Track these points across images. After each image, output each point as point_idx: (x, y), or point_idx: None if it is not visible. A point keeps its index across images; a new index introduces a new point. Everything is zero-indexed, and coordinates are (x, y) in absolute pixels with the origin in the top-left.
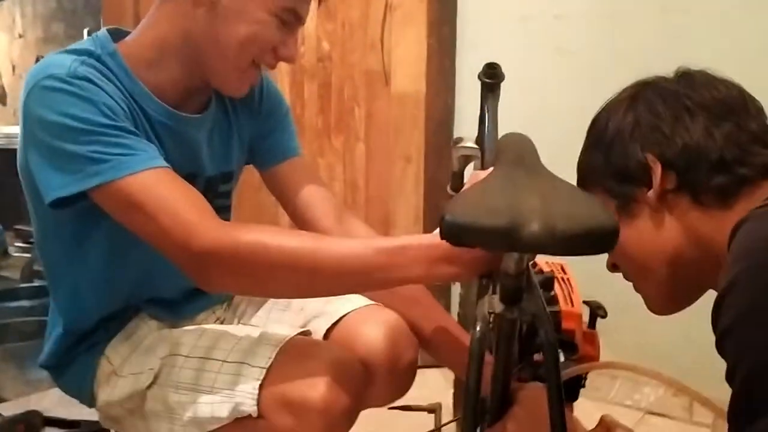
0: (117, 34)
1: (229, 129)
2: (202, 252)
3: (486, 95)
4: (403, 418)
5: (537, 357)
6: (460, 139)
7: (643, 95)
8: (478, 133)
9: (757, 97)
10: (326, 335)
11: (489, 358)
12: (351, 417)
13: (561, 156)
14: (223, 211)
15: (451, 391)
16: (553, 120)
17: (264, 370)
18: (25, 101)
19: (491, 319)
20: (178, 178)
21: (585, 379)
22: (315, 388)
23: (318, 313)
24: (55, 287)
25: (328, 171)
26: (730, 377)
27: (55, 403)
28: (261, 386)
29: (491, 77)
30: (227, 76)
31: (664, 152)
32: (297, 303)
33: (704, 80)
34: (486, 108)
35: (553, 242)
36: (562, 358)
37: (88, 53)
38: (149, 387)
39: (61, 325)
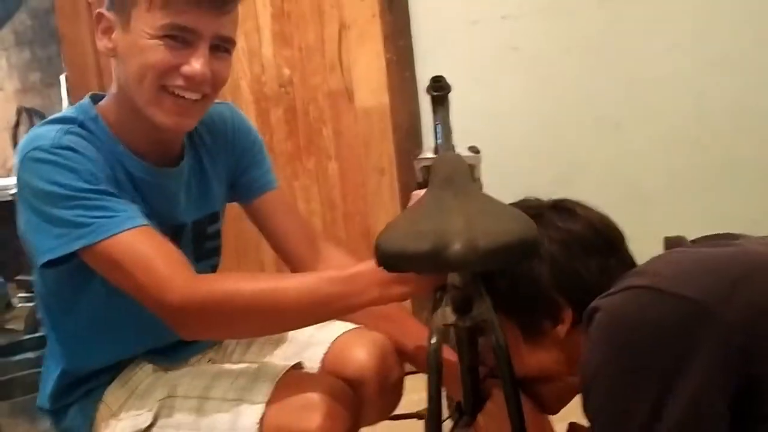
0: (98, 98)
1: (206, 172)
2: (174, 306)
3: (436, 108)
4: (396, 427)
5: None
6: (419, 152)
7: (542, 232)
8: (434, 144)
9: (698, 79)
10: (323, 361)
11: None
12: None
13: (520, 149)
14: (214, 252)
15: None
16: (509, 116)
17: (263, 406)
18: (18, 171)
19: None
20: (155, 235)
21: None
22: (312, 419)
23: (309, 343)
24: (54, 334)
25: (304, 192)
26: (590, 430)
27: None
28: (261, 421)
29: (437, 90)
30: (147, 111)
31: (570, 292)
32: (287, 336)
33: (596, 217)
34: (437, 120)
35: (476, 259)
36: None
37: (72, 121)
38: (149, 430)
39: (59, 367)
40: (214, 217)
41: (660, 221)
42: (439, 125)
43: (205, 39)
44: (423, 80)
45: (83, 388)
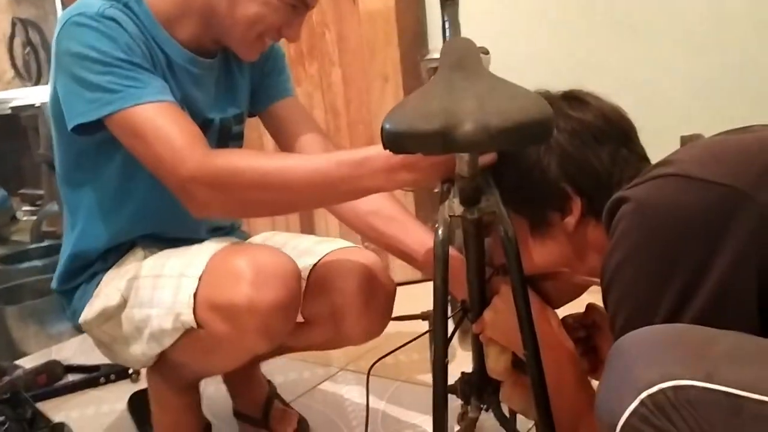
0: None
1: (234, 72)
2: (186, 177)
3: (444, 4)
4: (401, 328)
5: None
6: (427, 52)
7: (561, 127)
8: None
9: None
10: (310, 274)
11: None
12: (285, 312)
13: (533, 52)
14: None
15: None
16: (522, 17)
17: (197, 279)
18: (57, 36)
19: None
20: (178, 112)
21: None
22: (238, 290)
23: (305, 253)
24: (70, 214)
25: (307, 99)
26: (611, 325)
27: (74, 351)
28: (195, 295)
29: None
30: (237, 45)
31: (579, 182)
32: (292, 242)
33: (609, 108)
34: (446, 17)
35: (487, 139)
36: None
37: (117, 0)
38: (122, 309)
39: (70, 249)
40: (239, 118)
41: (677, 125)
42: (448, 23)
43: (308, 10)
44: None
45: (89, 272)
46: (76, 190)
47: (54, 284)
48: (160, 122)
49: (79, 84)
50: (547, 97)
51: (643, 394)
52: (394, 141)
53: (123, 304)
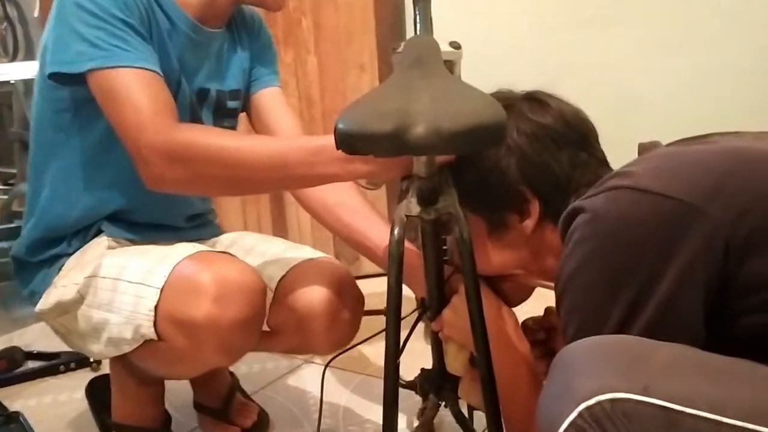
0: None
1: (235, 49)
2: (145, 145)
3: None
4: (366, 323)
5: None
6: (398, 45)
7: (521, 131)
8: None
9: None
10: (277, 286)
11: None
12: (247, 329)
13: (506, 47)
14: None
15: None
16: (496, 12)
17: (158, 291)
18: None
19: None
20: (157, 81)
21: None
22: (199, 306)
23: (274, 260)
24: (36, 176)
25: (282, 87)
26: (564, 332)
27: (36, 337)
28: (156, 307)
29: None
30: None
31: (538, 186)
32: (260, 247)
33: (570, 111)
34: (417, 10)
35: (439, 142)
36: None
37: None
38: (78, 306)
39: (35, 217)
40: (236, 94)
41: (649, 125)
42: (419, 17)
43: None
44: None
45: (51, 252)
46: (47, 150)
47: (13, 250)
48: (134, 88)
49: (69, 32)
50: (509, 97)
51: (581, 406)
52: (345, 141)
53: (80, 300)
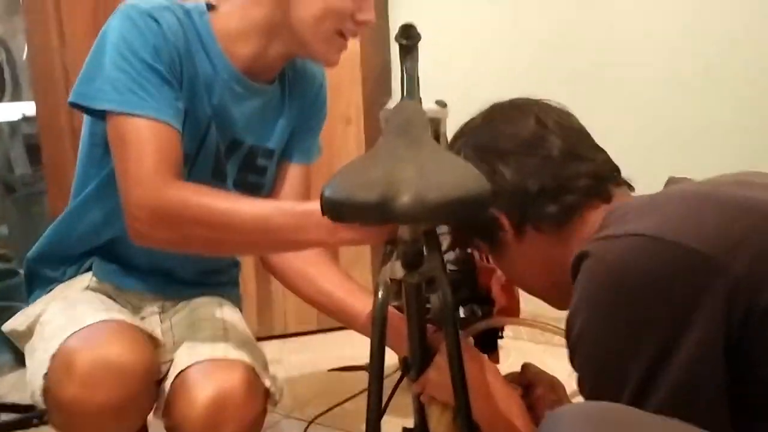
0: (212, 7)
1: (281, 109)
2: (136, 203)
3: (404, 57)
4: (348, 378)
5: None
6: (386, 101)
7: (462, 156)
8: (401, 95)
9: (669, 40)
10: (175, 379)
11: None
12: (119, 414)
13: (491, 96)
14: (254, 189)
15: None
16: (480, 69)
17: (49, 360)
18: (110, 17)
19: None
20: (168, 135)
21: (502, 330)
22: (68, 387)
23: (189, 349)
24: (73, 197)
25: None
26: (579, 387)
27: (11, 387)
28: (46, 375)
29: (407, 39)
30: (315, 47)
31: (499, 202)
32: (198, 328)
33: (505, 120)
34: (404, 70)
35: (424, 212)
36: (479, 314)
37: (181, 7)
38: (26, 339)
39: (53, 228)
40: (268, 153)
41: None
42: (406, 76)
43: None
44: (396, 29)
45: (49, 274)
46: (80, 180)
47: (28, 254)
48: (143, 139)
49: (97, 66)
50: (474, 119)
51: None
52: (332, 210)
53: (28, 335)
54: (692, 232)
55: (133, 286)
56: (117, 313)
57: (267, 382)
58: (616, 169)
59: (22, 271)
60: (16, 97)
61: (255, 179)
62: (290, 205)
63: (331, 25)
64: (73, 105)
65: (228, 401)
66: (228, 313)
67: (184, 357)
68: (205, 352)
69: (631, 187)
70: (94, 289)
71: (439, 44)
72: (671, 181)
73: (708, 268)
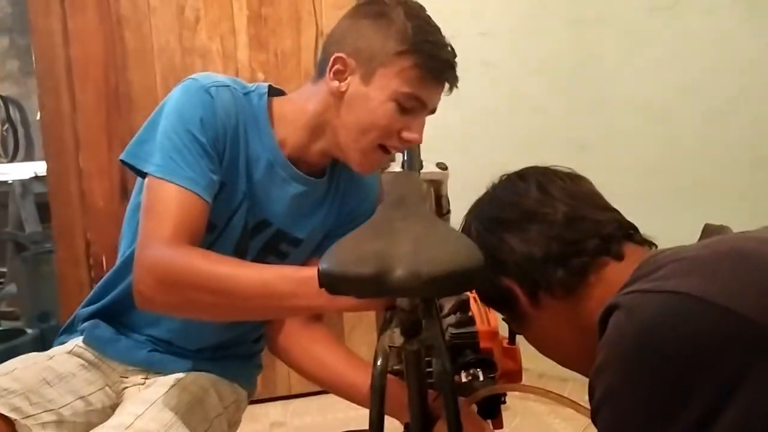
0: (274, 92)
1: (323, 204)
2: (143, 265)
3: None
4: None
5: (460, 378)
6: (387, 165)
7: (472, 229)
8: (402, 159)
9: (665, 104)
10: None
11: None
12: None
13: (487, 166)
14: None
15: None
16: (478, 133)
17: None
18: (175, 87)
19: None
20: (196, 205)
21: (505, 396)
22: None
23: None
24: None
25: None
26: None
27: None
28: None
29: None
30: (352, 155)
31: (509, 272)
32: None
33: (507, 190)
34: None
35: (419, 286)
36: (481, 377)
37: (243, 87)
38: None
39: (98, 286)
40: (295, 242)
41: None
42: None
43: (427, 110)
44: None
45: (77, 328)
46: (125, 240)
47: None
48: (167, 205)
49: (150, 130)
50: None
51: None
52: (328, 282)
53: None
54: (739, 296)
55: (116, 356)
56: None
57: None
58: (631, 227)
59: (29, 331)
60: (29, 156)
61: (274, 261)
62: (291, 270)
63: (374, 139)
64: (123, 163)
65: None
66: (178, 395)
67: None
68: (111, 424)
69: (652, 245)
70: (76, 354)
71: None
72: (708, 230)
73: (759, 340)
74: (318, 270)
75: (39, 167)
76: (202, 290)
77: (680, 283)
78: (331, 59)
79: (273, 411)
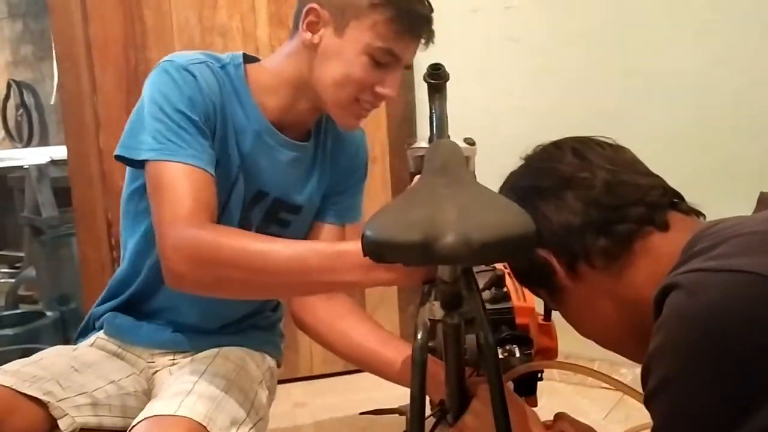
0: (249, 59)
1: (313, 167)
2: (172, 244)
3: (432, 96)
4: (378, 421)
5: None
6: (413, 141)
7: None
8: (429, 133)
9: (699, 75)
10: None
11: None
12: None
13: (516, 141)
14: None
15: None
16: (506, 107)
17: None
18: (150, 74)
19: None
20: (203, 179)
21: (542, 373)
22: None
23: (151, 402)
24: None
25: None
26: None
27: None
28: None
29: (435, 78)
30: (333, 111)
31: (545, 242)
32: (172, 387)
33: (542, 158)
34: (433, 109)
35: (469, 253)
36: (517, 354)
37: (218, 60)
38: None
39: (112, 281)
40: (294, 209)
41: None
42: (435, 114)
43: (402, 65)
44: (420, 69)
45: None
46: (125, 231)
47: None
48: (179, 184)
49: (139, 120)
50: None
51: None
52: (374, 251)
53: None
54: None
55: (140, 342)
56: (23, 379)
57: None
58: (676, 195)
59: (49, 313)
60: (44, 141)
61: (277, 231)
62: (325, 245)
63: (350, 93)
64: (118, 158)
65: None
66: (223, 364)
67: (140, 415)
68: (156, 408)
69: (699, 214)
70: (99, 346)
71: (463, 83)
72: (764, 198)
73: None
74: (362, 237)
75: (55, 152)
76: (235, 267)
77: (747, 261)
78: (305, 10)
79: (295, 391)
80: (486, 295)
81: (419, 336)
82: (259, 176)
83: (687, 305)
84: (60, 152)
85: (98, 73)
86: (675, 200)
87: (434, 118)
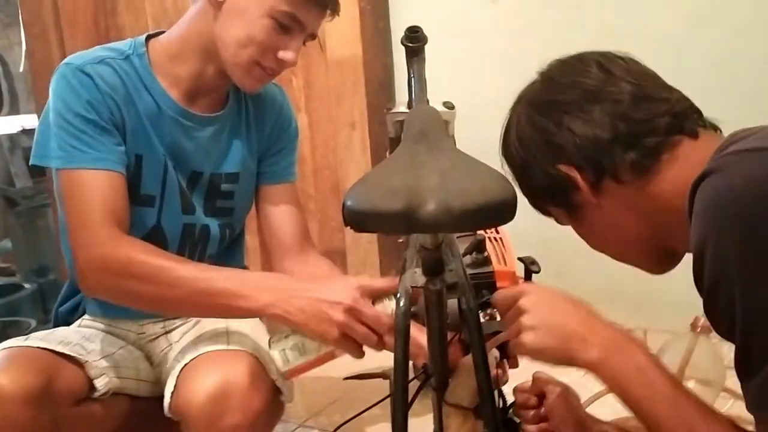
0: (155, 36)
1: (238, 133)
2: (84, 260)
3: (411, 59)
4: (362, 386)
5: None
6: (392, 106)
7: (523, 116)
8: (408, 98)
9: (674, 35)
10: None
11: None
12: (33, 402)
13: (495, 105)
14: (226, 213)
15: None
16: (485, 71)
17: None
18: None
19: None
20: (110, 183)
21: None
22: None
23: (193, 344)
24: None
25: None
26: (729, 331)
27: None
28: None
29: (413, 41)
30: (234, 71)
31: (569, 157)
32: (184, 337)
33: (564, 72)
34: (412, 72)
35: (450, 220)
36: (498, 317)
37: (120, 52)
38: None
39: (68, 284)
40: (232, 178)
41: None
42: (414, 78)
43: (305, 32)
44: (397, 31)
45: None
46: (62, 229)
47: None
48: (87, 191)
49: (45, 128)
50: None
51: None
52: (355, 220)
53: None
54: None
55: (127, 315)
56: (56, 343)
57: (273, 376)
58: (697, 110)
59: (27, 285)
60: (14, 110)
61: (224, 204)
62: (233, 272)
63: (250, 54)
64: (34, 167)
65: (233, 389)
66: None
67: (188, 353)
68: (208, 347)
69: (716, 128)
70: (86, 326)
71: (442, 46)
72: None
73: None
74: (343, 207)
75: (26, 120)
76: (145, 282)
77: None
78: None
79: None
80: (467, 259)
81: (402, 303)
82: (188, 158)
83: (723, 183)
84: (31, 121)
85: (67, 39)
86: (696, 114)
87: (413, 82)
